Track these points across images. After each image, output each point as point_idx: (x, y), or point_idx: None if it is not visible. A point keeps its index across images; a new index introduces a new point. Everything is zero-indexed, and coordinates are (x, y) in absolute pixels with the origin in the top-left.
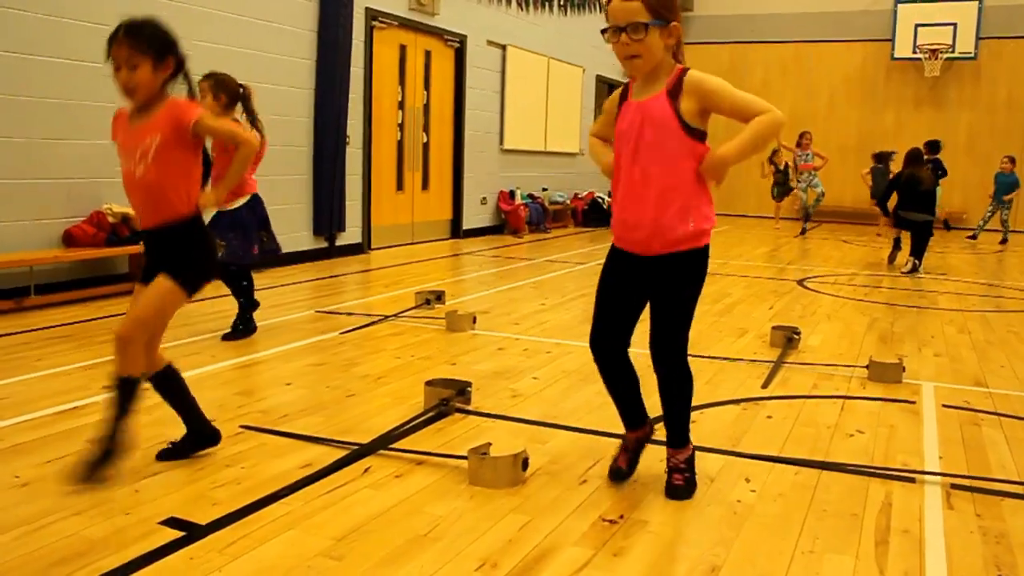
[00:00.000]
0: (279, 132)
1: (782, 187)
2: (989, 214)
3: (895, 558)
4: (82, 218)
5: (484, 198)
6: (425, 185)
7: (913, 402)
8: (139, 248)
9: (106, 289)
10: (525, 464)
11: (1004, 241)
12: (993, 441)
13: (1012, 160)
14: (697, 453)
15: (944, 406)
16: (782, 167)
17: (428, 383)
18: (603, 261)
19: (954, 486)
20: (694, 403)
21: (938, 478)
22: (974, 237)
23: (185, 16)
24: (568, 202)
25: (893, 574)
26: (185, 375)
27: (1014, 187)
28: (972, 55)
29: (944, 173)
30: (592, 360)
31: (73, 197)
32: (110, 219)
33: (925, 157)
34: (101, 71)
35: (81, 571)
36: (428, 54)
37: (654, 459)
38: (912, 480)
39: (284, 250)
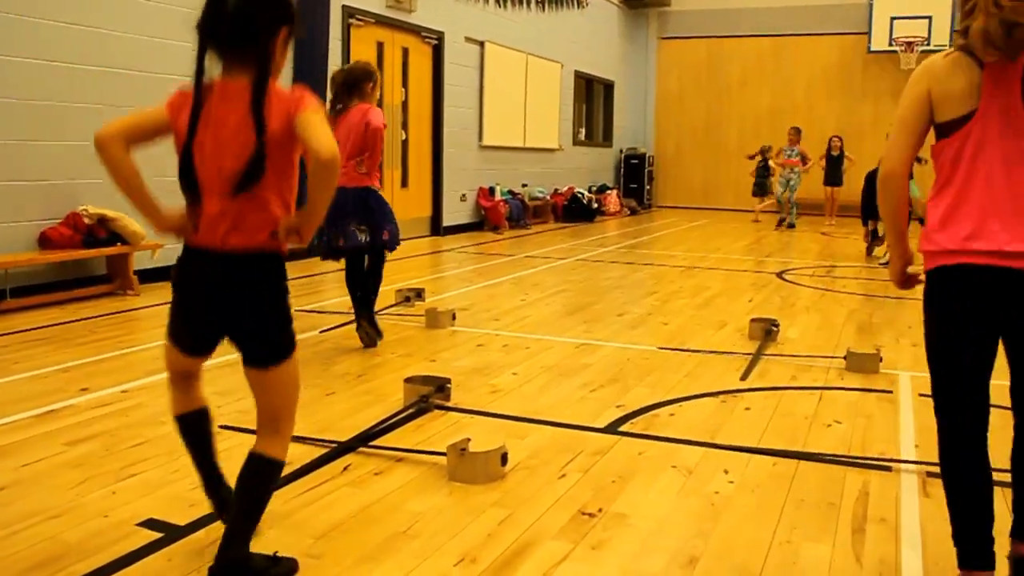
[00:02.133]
0: None
1: (759, 183)
2: None
3: (871, 546)
4: (58, 220)
5: (464, 195)
6: (404, 183)
7: (890, 392)
8: (116, 250)
9: (83, 291)
10: (504, 459)
11: None
12: None
13: None
14: (676, 445)
15: (921, 395)
16: (761, 164)
17: (407, 380)
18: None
19: (930, 474)
20: (673, 395)
21: (914, 466)
22: None
23: (160, 16)
24: (548, 198)
25: (869, 562)
26: (162, 376)
27: None
28: (947, 47)
29: None
30: (570, 355)
31: (49, 199)
32: (86, 220)
33: None
34: (77, 71)
35: (59, 574)
36: (406, 51)
37: (632, 451)
38: (889, 469)
39: None
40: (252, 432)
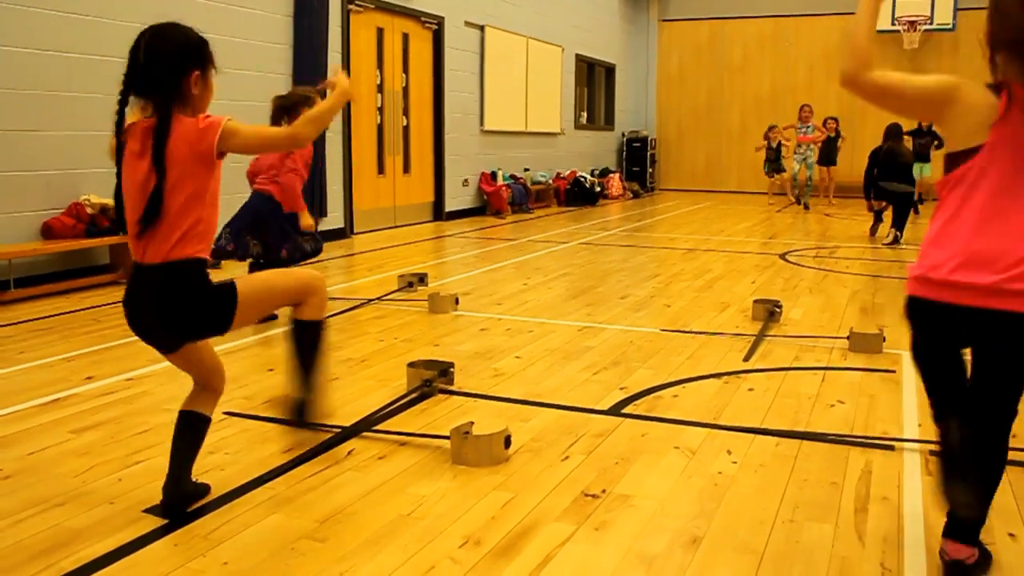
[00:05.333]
0: (257, 119)
1: (774, 164)
2: None
3: (874, 525)
4: (60, 210)
5: (466, 180)
6: (406, 168)
7: (893, 371)
8: (119, 239)
9: (86, 280)
10: (507, 442)
11: None
12: None
13: None
14: (679, 426)
15: None
16: (775, 145)
17: (410, 364)
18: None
19: (932, 452)
20: (676, 377)
21: (917, 445)
22: None
23: (156, 5)
24: (550, 182)
25: (872, 541)
26: (165, 364)
27: None
28: (951, 26)
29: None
30: (573, 338)
31: (51, 189)
32: (88, 210)
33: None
34: (76, 61)
35: (65, 560)
36: (406, 37)
37: (635, 432)
38: (891, 448)
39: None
40: (257, 418)
